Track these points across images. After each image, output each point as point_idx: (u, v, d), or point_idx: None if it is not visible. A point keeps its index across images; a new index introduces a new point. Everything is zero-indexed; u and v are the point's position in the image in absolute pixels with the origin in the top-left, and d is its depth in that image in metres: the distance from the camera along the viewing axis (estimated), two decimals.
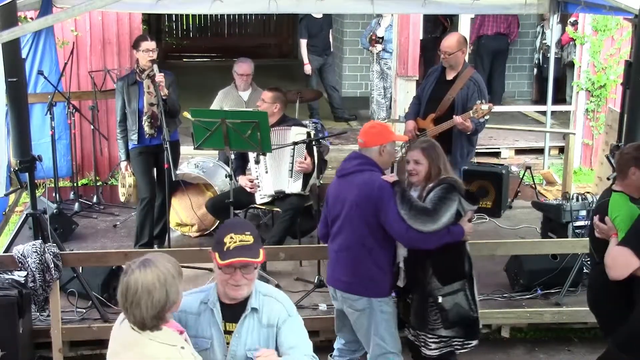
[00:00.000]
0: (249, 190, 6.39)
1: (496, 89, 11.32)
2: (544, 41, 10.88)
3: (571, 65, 9.97)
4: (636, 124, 4.95)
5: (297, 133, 6.31)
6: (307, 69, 10.74)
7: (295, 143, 6.23)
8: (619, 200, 4.27)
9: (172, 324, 3.02)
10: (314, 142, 6.31)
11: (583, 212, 6.62)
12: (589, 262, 5.79)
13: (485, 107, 6.06)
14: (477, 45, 11.29)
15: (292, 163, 6.30)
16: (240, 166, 6.45)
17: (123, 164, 6.58)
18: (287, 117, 6.65)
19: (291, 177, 6.31)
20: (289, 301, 3.37)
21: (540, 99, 10.83)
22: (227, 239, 3.18)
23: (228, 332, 3.28)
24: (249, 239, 3.18)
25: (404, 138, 5.67)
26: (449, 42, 6.36)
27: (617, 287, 4.18)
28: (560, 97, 10.49)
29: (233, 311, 3.27)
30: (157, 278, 2.88)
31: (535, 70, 11.72)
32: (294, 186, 6.33)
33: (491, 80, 11.23)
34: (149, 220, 6.61)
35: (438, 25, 11.30)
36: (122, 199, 7.12)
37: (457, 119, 6.17)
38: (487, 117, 6.18)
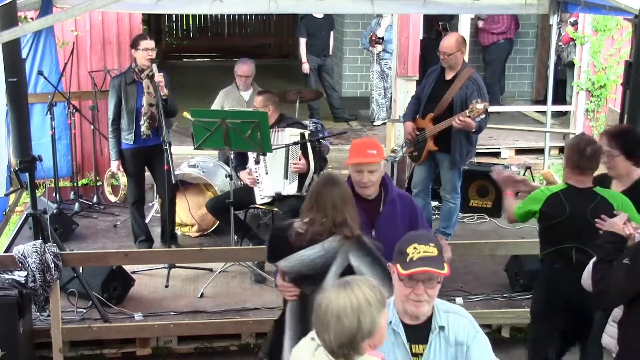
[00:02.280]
0: (249, 184, 6.39)
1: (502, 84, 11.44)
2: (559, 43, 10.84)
3: (571, 65, 9.97)
4: (636, 124, 4.95)
5: (291, 134, 6.30)
6: (305, 67, 10.75)
7: (295, 143, 6.23)
8: (608, 192, 4.41)
9: (372, 351, 2.73)
10: (309, 143, 6.31)
11: None
12: None
13: (480, 106, 6.08)
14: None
15: (287, 165, 6.29)
16: (241, 163, 6.44)
17: (114, 164, 6.58)
18: (285, 117, 6.65)
19: (286, 178, 6.30)
20: (471, 317, 3.25)
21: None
22: (410, 250, 2.97)
23: (415, 355, 3.07)
24: (433, 250, 2.98)
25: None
26: (448, 42, 6.37)
27: None
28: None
29: (416, 331, 3.05)
30: (349, 303, 2.60)
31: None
32: (290, 188, 6.33)
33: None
34: (140, 217, 6.74)
35: (432, 28, 11.29)
36: (112, 198, 7.13)
37: (455, 122, 6.17)
38: (483, 115, 6.18)
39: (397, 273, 2.97)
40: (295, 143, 6.22)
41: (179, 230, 7.15)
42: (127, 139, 6.45)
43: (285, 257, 3.75)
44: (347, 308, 2.58)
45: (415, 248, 2.97)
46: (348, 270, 3.64)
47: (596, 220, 4.07)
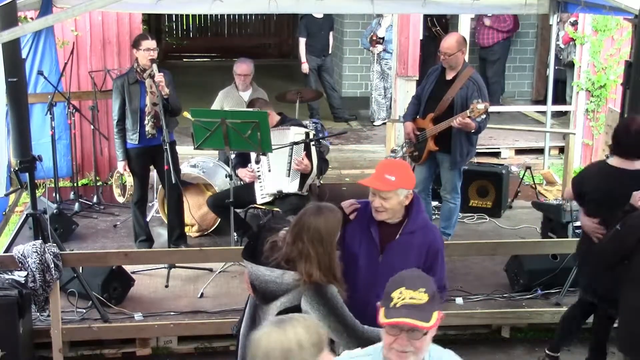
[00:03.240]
0: (248, 180, 6.39)
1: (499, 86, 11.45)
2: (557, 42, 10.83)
3: (571, 65, 9.97)
4: None
5: (296, 133, 6.32)
6: (305, 67, 10.76)
7: (293, 143, 6.24)
8: None
9: None
10: (312, 143, 6.31)
11: None
12: None
13: (481, 106, 6.08)
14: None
15: (290, 162, 6.30)
16: (241, 162, 6.45)
17: (121, 164, 6.59)
18: (286, 118, 6.66)
19: (288, 176, 6.31)
20: None
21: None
22: (395, 294, 2.62)
23: None
24: (421, 297, 2.61)
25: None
26: (448, 43, 6.36)
27: None
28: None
29: None
30: (279, 344, 2.44)
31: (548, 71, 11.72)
32: (291, 186, 6.33)
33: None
34: (142, 216, 6.75)
35: (428, 28, 11.29)
36: (120, 199, 7.13)
37: (455, 122, 6.18)
38: (483, 116, 6.19)
39: (380, 320, 2.64)
40: (301, 141, 6.23)
41: None
42: (132, 139, 6.45)
43: (250, 261, 3.67)
44: (275, 349, 2.44)
45: (401, 293, 2.61)
46: (295, 309, 3.47)
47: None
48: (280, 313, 3.51)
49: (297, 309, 3.49)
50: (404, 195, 3.78)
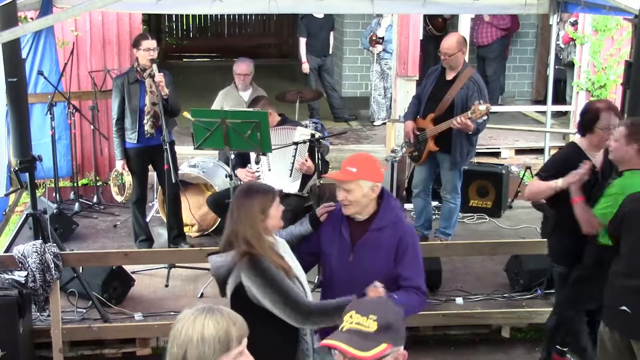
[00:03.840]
0: (247, 181, 6.39)
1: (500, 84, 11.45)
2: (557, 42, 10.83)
3: (571, 65, 9.97)
4: None
5: (301, 134, 6.32)
6: (305, 67, 10.76)
7: (296, 143, 6.24)
8: None
9: None
10: (315, 144, 6.31)
11: None
12: None
13: (482, 107, 6.08)
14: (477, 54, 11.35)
15: (293, 163, 6.30)
16: (240, 162, 6.45)
17: (119, 163, 6.59)
18: (287, 119, 6.66)
19: (290, 176, 6.31)
20: None
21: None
22: (347, 317, 2.42)
23: None
24: (370, 325, 2.35)
25: None
26: (448, 43, 6.36)
27: None
28: None
29: None
30: (184, 332, 2.37)
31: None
32: (292, 186, 6.33)
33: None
34: (141, 216, 6.76)
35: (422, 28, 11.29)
36: (118, 198, 7.13)
37: (456, 122, 6.18)
38: (485, 117, 6.19)
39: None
40: (304, 141, 6.23)
41: None
42: (131, 138, 6.46)
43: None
44: (179, 336, 2.37)
45: (351, 317, 2.38)
46: (240, 288, 3.47)
47: None
48: (232, 297, 3.53)
49: (241, 288, 3.48)
50: (369, 188, 3.73)
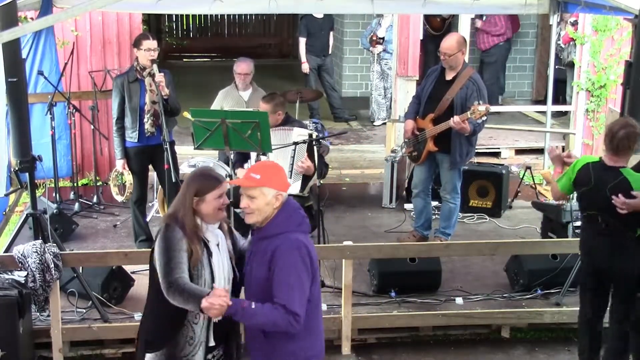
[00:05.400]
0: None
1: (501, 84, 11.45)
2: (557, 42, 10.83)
3: (571, 65, 9.96)
4: None
5: (299, 134, 6.31)
6: (305, 67, 10.76)
7: (295, 143, 6.23)
8: (635, 174, 4.65)
9: None
10: (314, 143, 6.30)
11: None
12: None
13: (482, 108, 6.08)
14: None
15: (292, 164, 6.30)
16: (240, 160, 6.44)
17: (119, 162, 6.59)
18: (290, 118, 6.66)
19: (290, 177, 6.30)
20: None
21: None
22: None
23: None
24: None
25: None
26: (448, 43, 6.36)
27: None
28: None
29: None
30: None
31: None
32: (293, 187, 6.32)
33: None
34: (142, 216, 6.76)
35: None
36: (118, 198, 7.13)
37: (453, 121, 6.18)
38: (484, 117, 6.19)
39: None
40: (303, 142, 6.22)
41: None
42: (131, 137, 6.46)
43: None
44: None
45: None
46: (152, 255, 3.71)
47: (613, 196, 4.56)
48: (149, 264, 3.74)
49: (153, 253, 3.70)
50: (272, 196, 3.65)
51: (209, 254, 3.69)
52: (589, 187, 4.79)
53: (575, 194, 5.11)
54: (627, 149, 4.69)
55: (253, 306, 3.52)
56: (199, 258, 3.64)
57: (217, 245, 3.76)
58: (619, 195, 4.56)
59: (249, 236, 3.88)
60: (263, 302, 3.55)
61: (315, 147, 6.33)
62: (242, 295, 3.80)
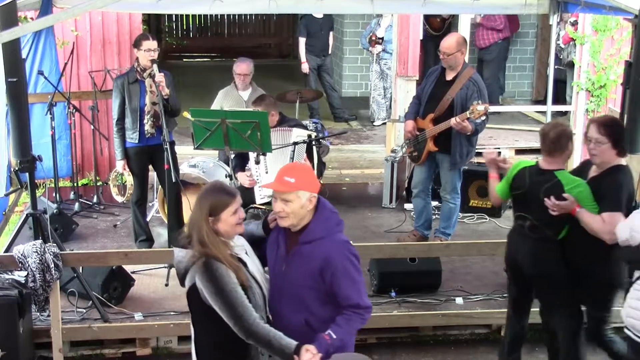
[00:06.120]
0: (247, 185, 6.39)
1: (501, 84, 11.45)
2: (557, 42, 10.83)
3: (571, 65, 9.97)
4: (636, 124, 4.94)
5: (298, 135, 6.31)
6: (305, 67, 10.77)
7: (295, 143, 6.23)
8: (569, 176, 4.68)
9: None
10: (313, 144, 6.30)
11: None
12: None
13: (481, 107, 6.08)
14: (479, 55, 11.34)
15: None
16: (239, 164, 6.45)
17: (119, 163, 6.59)
18: (286, 118, 6.65)
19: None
20: None
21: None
22: None
23: None
24: None
25: None
26: (447, 43, 6.37)
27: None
28: None
29: None
30: None
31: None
32: None
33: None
34: (142, 216, 6.76)
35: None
36: (118, 199, 7.13)
37: (453, 121, 6.19)
38: (483, 117, 6.19)
39: None
40: (302, 142, 6.22)
41: None
42: (132, 137, 6.46)
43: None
44: None
45: None
46: (195, 288, 3.52)
47: (545, 199, 4.58)
48: (187, 293, 3.58)
49: (195, 288, 3.52)
50: (307, 199, 3.64)
51: (245, 266, 3.62)
52: (524, 191, 4.80)
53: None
54: (561, 150, 4.70)
55: (334, 335, 3.54)
56: (246, 277, 3.57)
57: (246, 253, 3.68)
58: (551, 197, 4.58)
59: (258, 222, 3.91)
60: (298, 303, 3.60)
61: (314, 147, 6.33)
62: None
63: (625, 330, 4.32)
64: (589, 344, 4.98)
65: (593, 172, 4.77)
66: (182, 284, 3.64)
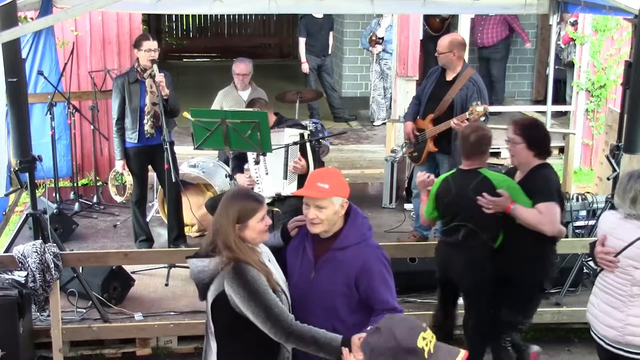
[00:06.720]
0: (247, 186, 6.38)
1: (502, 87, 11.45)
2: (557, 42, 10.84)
3: (571, 65, 9.97)
4: (636, 124, 4.95)
5: (290, 135, 6.29)
6: (305, 67, 10.77)
7: (295, 143, 6.23)
8: (492, 173, 4.71)
9: None
10: (310, 143, 6.29)
11: (583, 212, 6.62)
12: (589, 262, 5.80)
13: (480, 108, 6.08)
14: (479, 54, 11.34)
15: (286, 165, 6.28)
16: (238, 165, 6.44)
17: (119, 163, 6.59)
18: (283, 118, 6.65)
19: (286, 178, 6.28)
20: None
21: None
22: (420, 342, 2.47)
23: None
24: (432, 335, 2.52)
25: None
26: (442, 42, 6.43)
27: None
28: None
29: None
30: None
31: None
32: (289, 188, 6.31)
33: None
34: (142, 216, 6.76)
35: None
36: (118, 199, 7.12)
37: (453, 122, 6.19)
38: (483, 118, 6.19)
39: None
40: (294, 143, 6.21)
41: None
42: (131, 137, 6.46)
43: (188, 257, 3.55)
44: None
45: (424, 338, 2.47)
46: (223, 296, 3.37)
47: (477, 197, 4.54)
48: (212, 304, 3.42)
49: (224, 295, 3.36)
50: (339, 205, 3.59)
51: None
52: (452, 196, 4.73)
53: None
54: (480, 153, 4.74)
55: None
56: (277, 282, 3.49)
57: (269, 260, 3.61)
58: (484, 194, 4.52)
59: (275, 231, 3.82)
60: (327, 311, 3.52)
61: (308, 145, 6.31)
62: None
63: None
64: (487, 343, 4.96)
65: (518, 177, 4.77)
66: (203, 297, 3.49)
